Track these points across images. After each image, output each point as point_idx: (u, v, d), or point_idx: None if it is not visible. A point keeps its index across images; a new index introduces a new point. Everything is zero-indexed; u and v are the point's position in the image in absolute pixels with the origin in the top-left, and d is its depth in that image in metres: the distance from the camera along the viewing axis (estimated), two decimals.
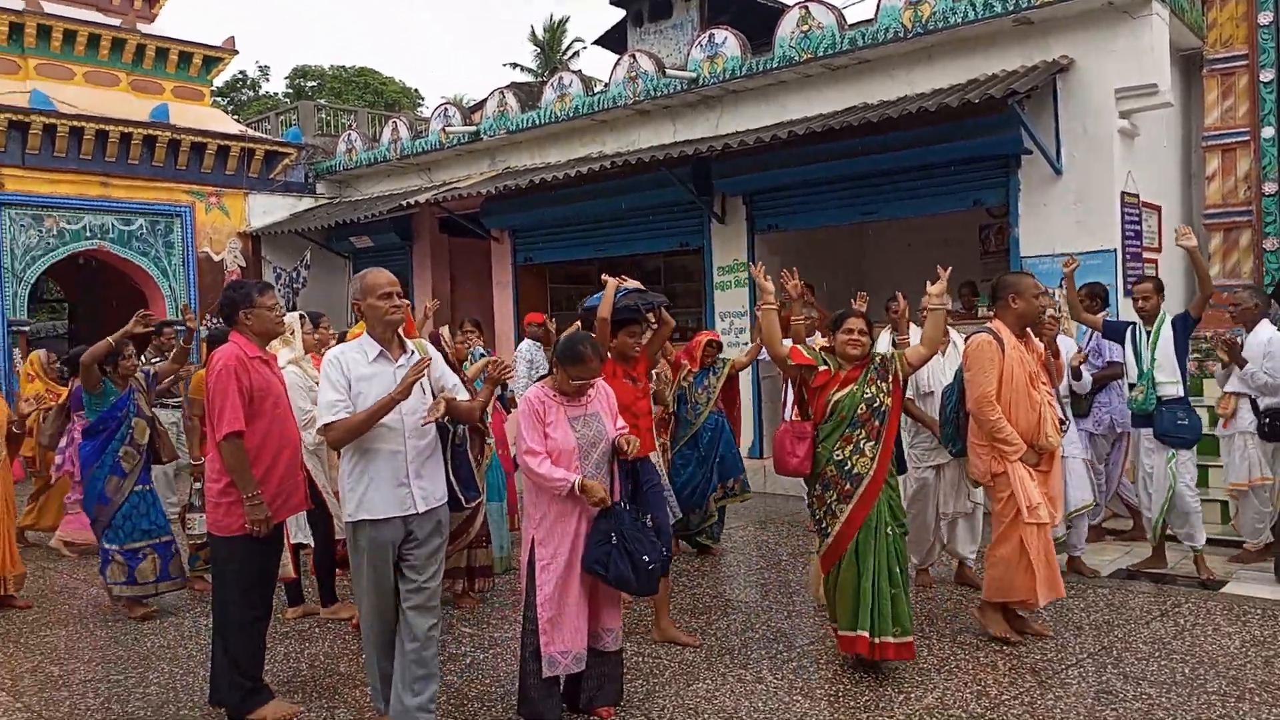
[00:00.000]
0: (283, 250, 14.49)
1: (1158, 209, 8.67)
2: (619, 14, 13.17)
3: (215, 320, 13.41)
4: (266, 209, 14.54)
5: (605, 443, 3.94)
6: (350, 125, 16.79)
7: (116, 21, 13.75)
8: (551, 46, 32.17)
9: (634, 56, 10.90)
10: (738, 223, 10.24)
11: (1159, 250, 8.61)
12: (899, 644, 4.30)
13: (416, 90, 35.64)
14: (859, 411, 4.39)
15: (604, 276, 4.91)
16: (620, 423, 4.09)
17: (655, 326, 5.20)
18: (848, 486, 4.38)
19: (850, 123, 8.14)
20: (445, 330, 5.68)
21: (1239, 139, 8.76)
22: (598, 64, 53.78)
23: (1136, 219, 8.15)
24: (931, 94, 8.39)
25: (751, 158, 9.36)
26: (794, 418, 4.68)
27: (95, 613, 5.95)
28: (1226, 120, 8.83)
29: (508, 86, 12.60)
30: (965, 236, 10.93)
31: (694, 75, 10.19)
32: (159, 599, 5.89)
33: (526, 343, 8.64)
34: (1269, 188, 8.59)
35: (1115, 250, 7.80)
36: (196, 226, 13.93)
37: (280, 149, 14.60)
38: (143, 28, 13.99)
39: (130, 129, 13.00)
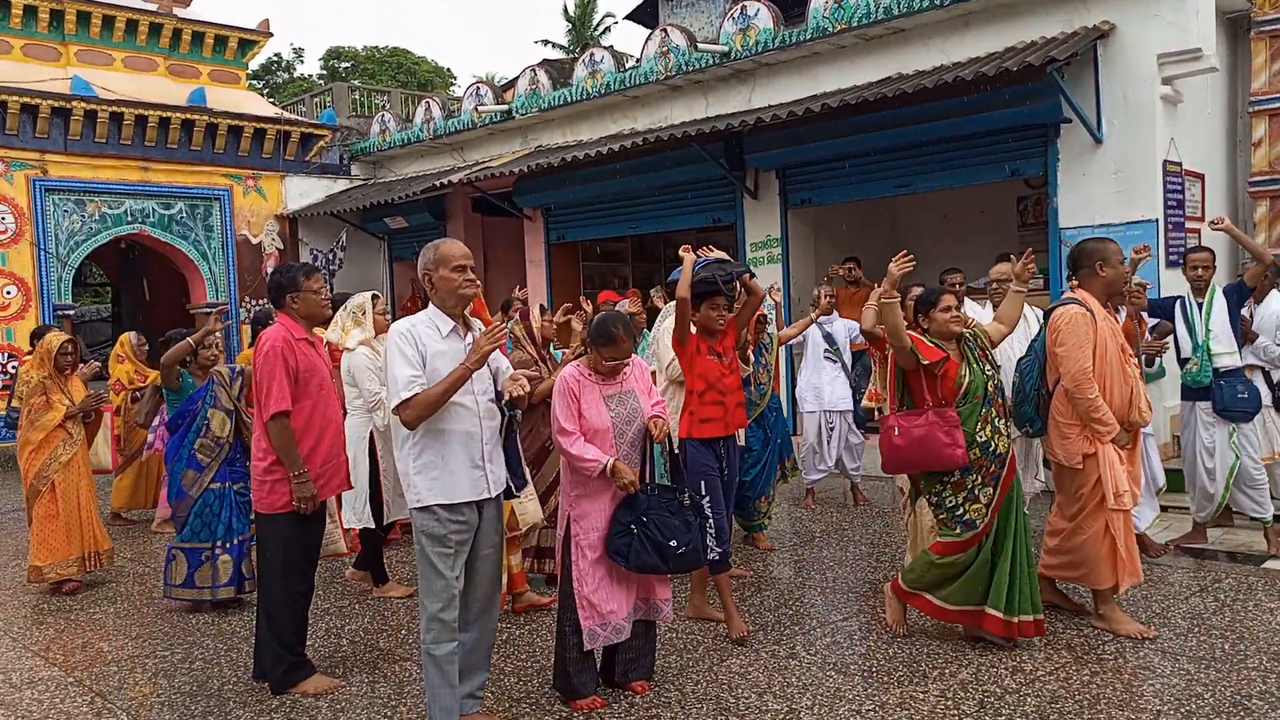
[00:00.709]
0: (319, 232, 14.64)
1: (1201, 177, 8.46)
2: None
3: (256, 303, 13.63)
4: (303, 191, 14.67)
5: (640, 420, 3.95)
6: (384, 106, 16.87)
7: (153, 6, 13.90)
8: (583, 23, 32.00)
9: (665, 31, 10.81)
10: (770, 198, 10.16)
11: (1202, 220, 8.40)
12: (1037, 621, 4.31)
13: (449, 70, 35.71)
14: (989, 389, 4.28)
15: (681, 251, 4.66)
16: (654, 398, 4.08)
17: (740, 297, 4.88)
18: (994, 468, 4.26)
19: (885, 94, 8.02)
20: (536, 308, 5.58)
21: None
22: (629, 39, 53.42)
23: (1179, 188, 7.96)
24: (968, 63, 8.23)
25: (784, 131, 9.26)
26: (893, 408, 4.44)
27: (142, 591, 6.11)
28: (1275, 84, 8.57)
29: (539, 64, 12.58)
30: (1002, 208, 10.76)
31: (726, 49, 10.09)
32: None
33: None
34: None
35: (1157, 220, 7.63)
36: (235, 209, 14.12)
37: (315, 131, 14.72)
38: (179, 11, 14.13)
39: (169, 113, 13.17)
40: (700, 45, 10.36)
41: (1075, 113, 7.69)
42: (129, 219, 13.27)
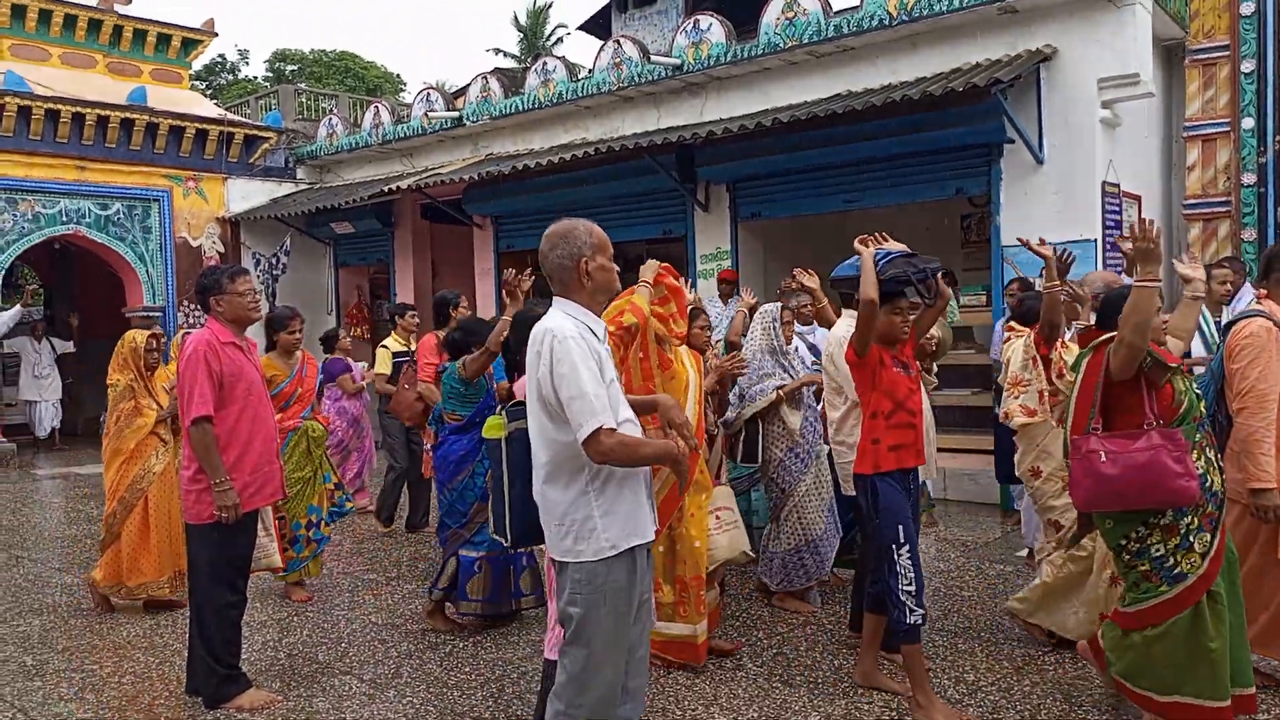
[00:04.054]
0: (262, 236, 14.35)
1: (1138, 199, 8.71)
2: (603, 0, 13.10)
3: (194, 307, 13.31)
4: (245, 194, 14.39)
5: None
6: (331, 110, 16.62)
7: (93, 1, 13.55)
8: (535, 32, 31.98)
9: (618, 42, 10.83)
10: (721, 210, 10.22)
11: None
12: (1252, 695, 3.52)
13: (398, 75, 35.43)
14: (1200, 411, 3.49)
15: (857, 244, 3.92)
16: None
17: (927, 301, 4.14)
18: (1211, 509, 3.39)
19: (834, 110, 8.13)
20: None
21: (1219, 130, 8.80)
22: (582, 50, 53.48)
23: (1117, 209, 8.18)
24: (915, 82, 8.38)
25: (735, 145, 9.33)
26: (1095, 427, 3.42)
27: (69, 602, 5.89)
28: (1207, 111, 8.87)
29: (491, 72, 12.52)
30: (947, 225, 10.96)
31: (678, 62, 10.15)
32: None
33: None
34: (1248, 179, 8.65)
35: (1096, 240, 7.82)
36: (174, 211, 13.78)
37: (260, 133, 14.45)
38: (120, 9, 13.79)
39: (107, 111, 12.82)
40: (653, 58, 10.40)
41: (1018, 133, 7.87)
42: (64, 219, 12.87)
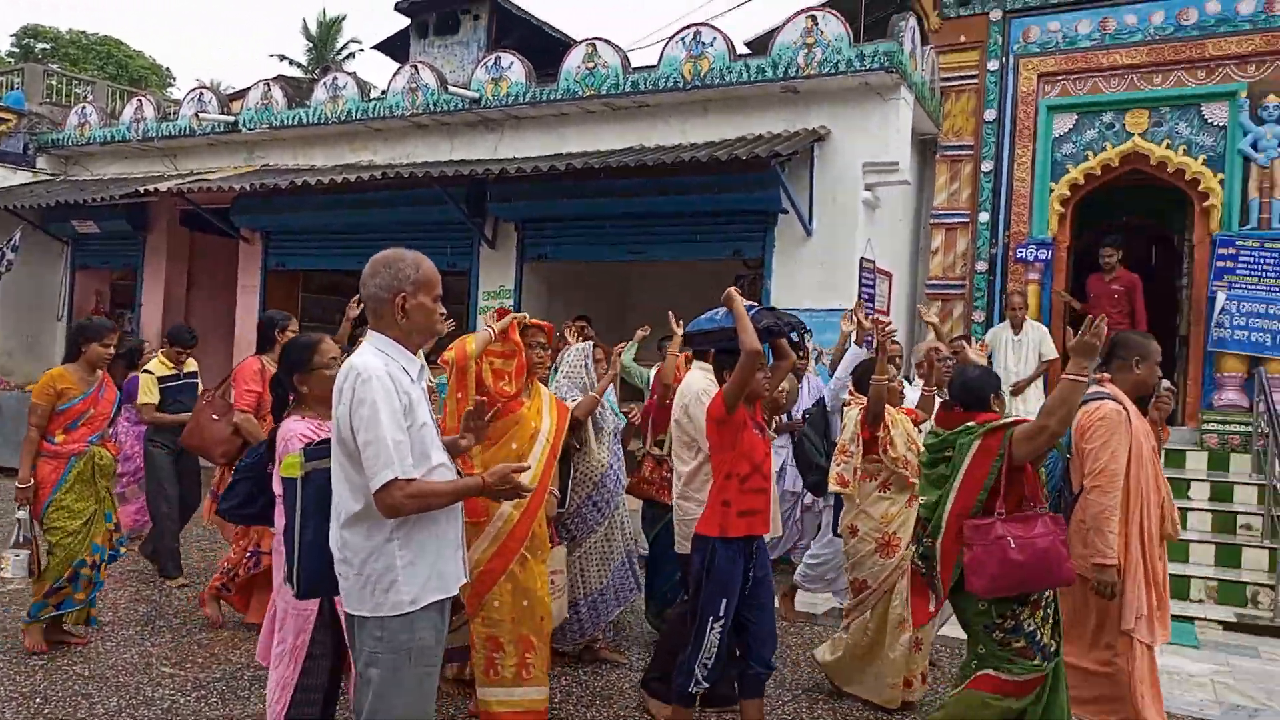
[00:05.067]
0: None
1: (889, 275, 9.53)
2: (402, 21, 12.80)
3: None
4: None
5: None
6: (86, 97, 15.14)
7: None
8: (325, 44, 30.80)
9: (416, 68, 10.61)
10: (508, 248, 10.17)
11: (887, 313, 9.44)
12: None
13: (168, 69, 32.93)
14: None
15: (732, 291, 3.87)
16: None
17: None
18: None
19: (627, 163, 8.35)
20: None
21: (960, 220, 9.82)
22: (374, 70, 51.98)
23: (871, 283, 8.90)
24: (704, 145, 8.78)
25: (528, 185, 9.35)
26: (1000, 512, 3.51)
27: None
28: (951, 202, 9.88)
29: (275, 78, 11.87)
30: (721, 283, 11.45)
31: (477, 95, 10.08)
32: None
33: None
34: (980, 266, 9.68)
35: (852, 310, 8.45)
36: None
37: None
38: None
39: None
40: (451, 88, 10.27)
41: (792, 205, 8.41)
42: None
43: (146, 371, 6.83)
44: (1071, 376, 3.38)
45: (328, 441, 2.72)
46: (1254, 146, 8.51)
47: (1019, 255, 9.38)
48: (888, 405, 4.70)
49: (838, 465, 4.82)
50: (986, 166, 9.65)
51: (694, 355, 4.65)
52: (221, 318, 12.54)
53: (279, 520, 3.47)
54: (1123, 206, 10.45)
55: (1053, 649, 3.56)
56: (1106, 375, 4.14)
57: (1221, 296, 8.51)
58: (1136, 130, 9.01)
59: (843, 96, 8.56)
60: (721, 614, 3.76)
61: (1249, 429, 8.25)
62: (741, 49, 9.54)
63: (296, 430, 3.31)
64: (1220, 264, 8.59)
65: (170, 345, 6.91)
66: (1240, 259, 8.50)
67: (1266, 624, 6.49)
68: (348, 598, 2.58)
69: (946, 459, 3.70)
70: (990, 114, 9.62)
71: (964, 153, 9.82)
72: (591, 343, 5.42)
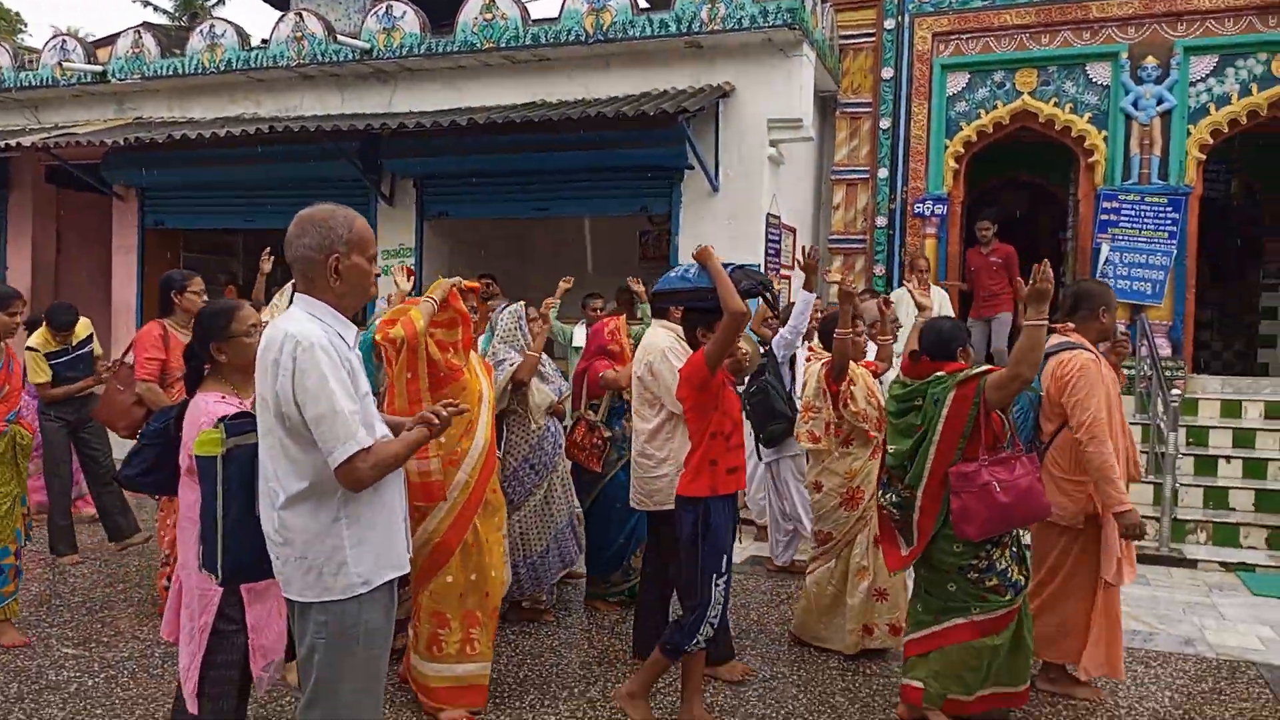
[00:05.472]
0: None
1: (794, 230, 9.64)
2: None
3: None
4: None
5: None
6: None
7: None
8: None
9: (300, 15, 10.06)
10: (406, 205, 9.85)
11: (792, 269, 9.57)
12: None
13: (17, 14, 30.40)
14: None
15: (704, 249, 3.75)
16: None
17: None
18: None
19: (530, 118, 8.14)
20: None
21: (860, 176, 9.99)
22: (251, 18, 49.14)
23: (777, 239, 8.99)
24: (608, 100, 8.63)
25: (425, 140, 9.02)
26: (984, 459, 3.66)
27: None
28: (852, 159, 10.04)
29: (144, 25, 11.09)
30: (627, 240, 11.42)
31: (368, 46, 9.64)
32: None
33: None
34: (880, 221, 9.89)
35: (759, 266, 8.53)
36: None
37: None
38: None
39: None
40: (340, 38, 9.79)
41: (698, 161, 8.37)
42: None
43: (30, 349, 6.25)
44: (1033, 323, 3.53)
45: (250, 416, 2.55)
46: (1135, 105, 8.91)
47: (917, 210, 9.63)
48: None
49: (806, 422, 4.89)
50: (885, 124, 9.81)
51: (654, 313, 4.65)
52: (97, 278, 11.80)
53: (185, 494, 3.27)
54: (1012, 162, 10.83)
55: (1021, 584, 3.77)
56: (1070, 325, 4.25)
57: (1105, 248, 8.94)
58: (1026, 89, 9.31)
59: (746, 52, 8.53)
60: (723, 570, 3.78)
61: (1133, 372, 8.73)
62: (643, 3, 9.39)
63: (210, 403, 3.12)
64: (1104, 217, 9.00)
65: (48, 327, 6.33)
66: (1123, 212, 8.93)
67: (1153, 554, 6.91)
68: (288, 584, 2.43)
69: (916, 408, 3.82)
70: (887, 72, 9.76)
71: (863, 110, 9.96)
72: (523, 303, 5.28)
